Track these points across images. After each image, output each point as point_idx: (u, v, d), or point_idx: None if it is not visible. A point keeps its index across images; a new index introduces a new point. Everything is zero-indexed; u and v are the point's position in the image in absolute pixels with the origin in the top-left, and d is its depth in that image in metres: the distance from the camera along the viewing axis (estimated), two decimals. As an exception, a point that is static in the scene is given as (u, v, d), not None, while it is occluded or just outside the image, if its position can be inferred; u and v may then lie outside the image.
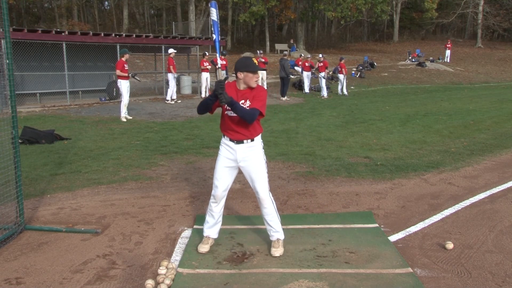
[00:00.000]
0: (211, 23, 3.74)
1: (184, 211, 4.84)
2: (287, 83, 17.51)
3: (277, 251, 3.72)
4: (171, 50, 15.94)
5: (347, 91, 19.69)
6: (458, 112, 13.39)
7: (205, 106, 3.57)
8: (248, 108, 3.48)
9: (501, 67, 33.86)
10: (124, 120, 11.29)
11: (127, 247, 3.93)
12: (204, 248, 3.78)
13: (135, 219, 4.58)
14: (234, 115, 3.51)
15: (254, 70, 3.48)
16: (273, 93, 19.06)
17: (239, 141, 3.61)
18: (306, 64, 19.59)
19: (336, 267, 3.52)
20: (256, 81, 3.54)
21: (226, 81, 3.49)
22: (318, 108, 14.55)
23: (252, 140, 3.63)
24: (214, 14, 3.72)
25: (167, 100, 16.22)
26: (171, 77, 16.13)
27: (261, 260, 3.65)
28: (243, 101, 3.51)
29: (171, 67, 15.89)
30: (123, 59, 11.27)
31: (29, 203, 4.97)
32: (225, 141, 3.70)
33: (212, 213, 3.81)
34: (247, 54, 32.20)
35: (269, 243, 3.86)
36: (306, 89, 19.87)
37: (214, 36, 3.67)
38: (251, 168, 3.64)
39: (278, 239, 3.78)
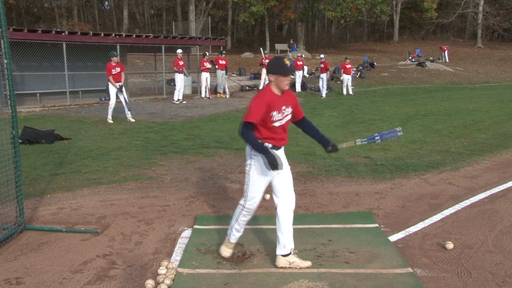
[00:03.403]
0: None
1: (184, 211, 4.84)
2: None
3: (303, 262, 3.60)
4: (178, 51, 16.01)
5: (352, 90, 19.60)
6: (458, 112, 13.39)
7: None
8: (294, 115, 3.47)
9: (501, 67, 33.85)
10: (111, 121, 11.28)
11: (127, 247, 3.93)
12: (229, 252, 3.69)
13: (135, 219, 4.58)
14: (284, 122, 3.41)
15: (285, 73, 3.30)
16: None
17: (280, 147, 3.51)
18: (298, 63, 19.53)
19: (336, 267, 3.52)
20: (288, 83, 3.37)
21: (267, 90, 3.36)
22: (318, 108, 14.55)
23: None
24: None
25: (177, 101, 16.25)
26: (176, 78, 16.14)
27: (261, 260, 3.65)
28: (284, 106, 3.36)
29: (174, 67, 15.96)
30: (112, 62, 11.09)
31: (29, 203, 4.97)
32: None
33: (242, 224, 3.66)
34: (246, 54, 32.20)
35: (269, 243, 3.86)
36: (298, 88, 19.84)
37: None
38: (286, 169, 3.51)
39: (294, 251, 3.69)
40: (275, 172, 3.35)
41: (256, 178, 3.45)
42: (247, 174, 3.51)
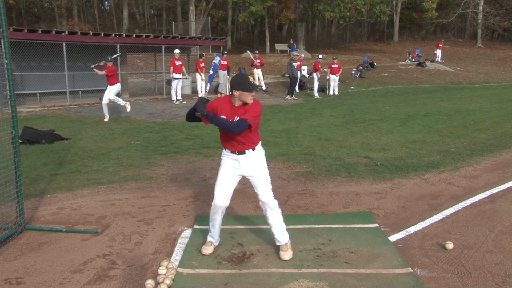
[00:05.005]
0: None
1: (184, 211, 4.84)
2: (292, 83, 17.49)
3: (287, 255, 3.70)
4: (176, 51, 16.00)
5: (338, 91, 19.27)
6: (458, 112, 13.39)
7: (191, 115, 3.60)
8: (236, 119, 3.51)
9: (501, 67, 33.84)
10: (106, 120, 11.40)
11: (127, 247, 3.93)
12: (208, 250, 3.79)
13: (135, 219, 4.59)
14: None
15: (249, 89, 3.46)
16: (273, 92, 19.06)
17: (241, 152, 3.62)
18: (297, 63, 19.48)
19: (336, 267, 3.52)
20: (252, 98, 3.51)
21: (223, 95, 3.57)
22: (318, 108, 14.55)
23: (254, 149, 3.65)
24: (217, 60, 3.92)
25: (172, 101, 16.24)
26: (173, 78, 16.15)
27: (261, 260, 3.65)
28: (237, 117, 3.51)
29: (171, 67, 15.92)
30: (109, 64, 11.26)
31: (29, 203, 4.97)
32: (227, 153, 3.71)
33: (215, 222, 3.78)
34: (247, 54, 32.21)
35: (269, 243, 3.86)
36: (297, 89, 19.73)
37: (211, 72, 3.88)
38: (255, 176, 3.68)
39: (286, 243, 3.76)
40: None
41: (220, 176, 3.74)
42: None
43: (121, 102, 11.57)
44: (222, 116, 3.54)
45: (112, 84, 11.32)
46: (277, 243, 3.78)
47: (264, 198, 3.67)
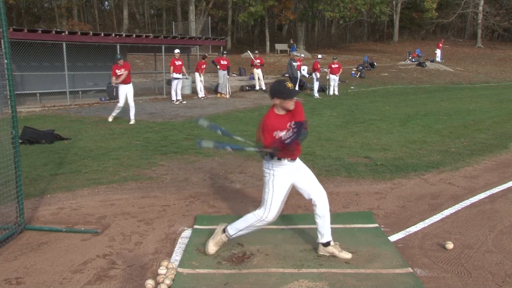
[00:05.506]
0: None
1: (184, 211, 4.84)
2: (292, 83, 17.46)
3: (344, 253, 3.70)
4: (176, 51, 15.97)
5: (338, 91, 19.27)
6: (458, 112, 13.39)
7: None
8: (293, 128, 3.47)
9: (501, 67, 33.84)
10: (110, 120, 11.32)
11: (127, 247, 3.93)
12: (212, 250, 3.75)
13: (135, 219, 4.59)
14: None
15: (290, 96, 3.42)
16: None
17: (296, 159, 3.62)
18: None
19: (336, 267, 3.52)
20: (293, 103, 3.46)
21: (269, 112, 3.51)
22: (318, 108, 14.54)
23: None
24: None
25: (172, 101, 16.25)
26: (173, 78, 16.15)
27: (261, 260, 3.65)
28: (288, 124, 3.47)
29: (172, 67, 15.91)
30: (117, 64, 11.07)
31: (29, 203, 4.97)
32: (284, 164, 3.55)
33: (247, 231, 3.73)
34: (247, 54, 32.22)
35: (269, 243, 3.86)
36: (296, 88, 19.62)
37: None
38: (306, 173, 3.68)
39: (336, 243, 3.74)
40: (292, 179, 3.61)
41: (279, 191, 3.55)
42: (269, 184, 3.57)
43: (132, 114, 11.30)
44: (283, 132, 3.45)
45: (127, 83, 11.09)
46: (323, 241, 3.70)
47: (322, 190, 3.67)
